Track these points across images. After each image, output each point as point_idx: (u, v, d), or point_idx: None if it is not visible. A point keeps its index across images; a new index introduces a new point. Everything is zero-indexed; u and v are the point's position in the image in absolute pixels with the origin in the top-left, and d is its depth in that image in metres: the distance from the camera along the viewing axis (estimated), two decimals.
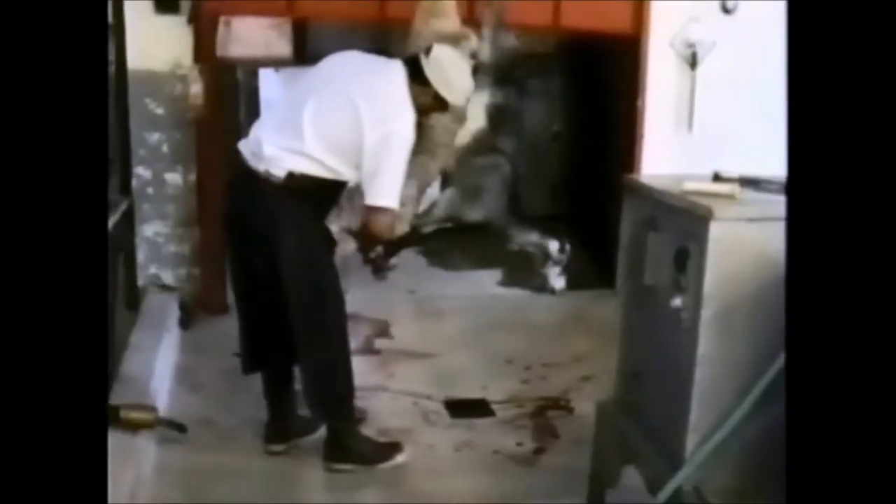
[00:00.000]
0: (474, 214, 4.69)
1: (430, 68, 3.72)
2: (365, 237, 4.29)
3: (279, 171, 3.65)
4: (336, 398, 3.90)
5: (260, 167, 3.68)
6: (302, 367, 3.90)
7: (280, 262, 3.69)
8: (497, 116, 6.37)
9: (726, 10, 5.83)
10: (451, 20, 4.59)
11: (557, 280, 4.30)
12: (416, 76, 3.73)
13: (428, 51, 3.76)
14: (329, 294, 3.80)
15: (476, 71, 4.23)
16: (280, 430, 4.06)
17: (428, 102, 3.77)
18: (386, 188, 3.65)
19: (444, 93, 3.75)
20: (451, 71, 3.77)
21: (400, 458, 3.96)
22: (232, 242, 3.91)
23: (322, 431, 3.98)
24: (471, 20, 4.92)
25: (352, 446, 3.91)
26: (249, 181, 3.72)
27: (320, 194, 3.74)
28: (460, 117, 4.01)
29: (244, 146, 3.77)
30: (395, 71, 3.76)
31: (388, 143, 3.61)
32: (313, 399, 3.89)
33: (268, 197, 3.67)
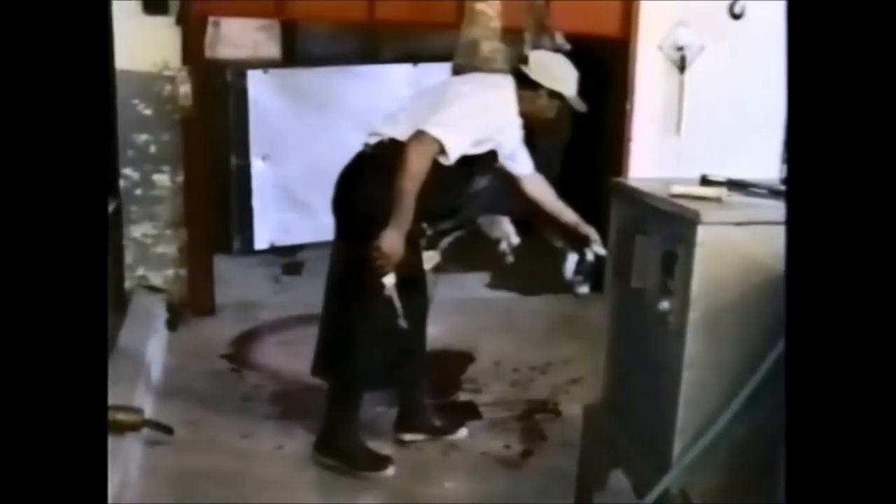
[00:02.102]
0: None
1: (534, 72, 3.87)
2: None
3: (373, 140, 3.82)
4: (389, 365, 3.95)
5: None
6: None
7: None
8: None
9: (735, 16, 5.84)
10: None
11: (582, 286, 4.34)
12: (525, 84, 3.86)
13: (525, 60, 3.95)
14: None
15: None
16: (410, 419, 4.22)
17: (544, 103, 3.89)
18: (444, 117, 3.62)
19: (557, 86, 3.88)
20: (554, 67, 3.95)
21: (388, 472, 3.90)
22: None
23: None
24: (512, 25, 4.92)
25: (345, 445, 3.91)
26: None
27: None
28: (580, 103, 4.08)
29: None
30: (503, 81, 3.91)
31: (467, 90, 3.78)
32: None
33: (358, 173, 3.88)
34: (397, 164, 3.53)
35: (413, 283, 3.84)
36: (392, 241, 3.52)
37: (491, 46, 4.77)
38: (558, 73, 3.94)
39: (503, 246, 4.56)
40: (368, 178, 3.76)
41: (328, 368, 3.96)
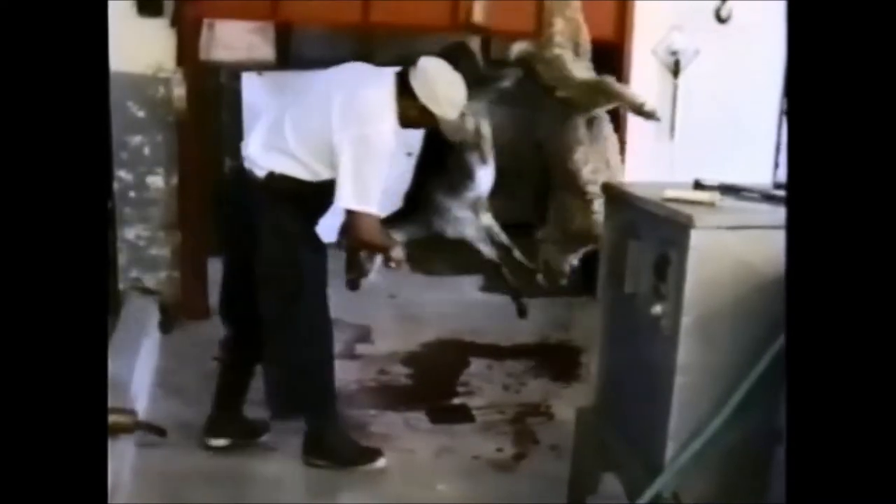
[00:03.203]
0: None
1: (416, 80, 3.65)
2: (349, 246, 4.22)
3: (261, 171, 3.65)
4: (316, 397, 3.88)
5: (245, 166, 3.71)
6: (270, 367, 3.85)
7: (257, 260, 3.68)
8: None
9: (720, 19, 5.85)
10: None
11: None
12: (406, 88, 3.66)
13: (416, 62, 3.71)
14: (307, 294, 3.74)
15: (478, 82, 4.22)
16: (225, 425, 4.06)
17: (415, 115, 3.68)
18: (362, 191, 3.57)
19: (432, 106, 3.65)
20: (438, 83, 3.67)
21: (380, 463, 3.96)
22: (221, 239, 4.00)
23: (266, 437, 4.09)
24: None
25: (334, 444, 3.93)
26: (237, 182, 3.81)
27: (304, 196, 3.67)
28: (455, 131, 3.89)
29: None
30: (382, 78, 3.72)
31: (364, 145, 3.54)
32: (283, 398, 3.86)
33: (250, 196, 3.68)
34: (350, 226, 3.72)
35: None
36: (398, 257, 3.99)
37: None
38: (442, 92, 3.68)
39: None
40: (268, 207, 3.65)
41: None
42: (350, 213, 3.65)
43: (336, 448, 3.93)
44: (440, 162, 4.52)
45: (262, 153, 3.68)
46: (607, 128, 4.76)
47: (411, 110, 3.67)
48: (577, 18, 4.83)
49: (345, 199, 3.59)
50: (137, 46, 5.29)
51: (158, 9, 5.31)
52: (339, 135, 3.54)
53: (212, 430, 4.04)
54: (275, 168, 3.63)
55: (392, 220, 4.42)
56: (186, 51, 5.42)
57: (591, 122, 4.72)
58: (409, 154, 4.62)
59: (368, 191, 3.59)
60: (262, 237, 3.66)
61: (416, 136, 4.36)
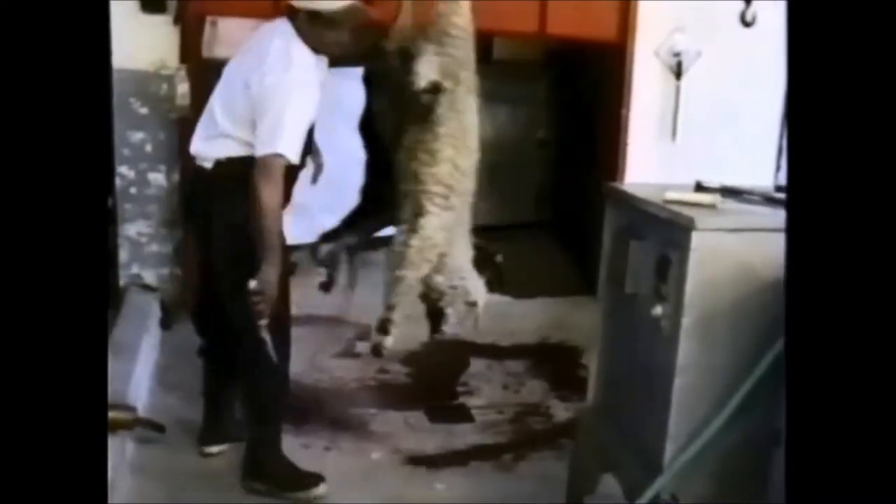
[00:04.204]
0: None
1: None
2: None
3: (208, 163, 3.59)
4: (260, 403, 3.75)
5: (196, 165, 3.68)
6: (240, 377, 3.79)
7: (215, 260, 3.64)
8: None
9: (746, 23, 5.83)
10: None
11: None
12: (294, 15, 3.48)
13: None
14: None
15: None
16: (217, 431, 4.00)
17: (315, 31, 3.47)
18: (270, 132, 3.35)
19: (313, 5, 3.46)
20: None
21: (320, 490, 3.74)
22: (193, 245, 3.95)
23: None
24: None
25: (267, 464, 3.74)
26: (193, 182, 3.82)
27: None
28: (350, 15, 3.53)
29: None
30: (275, 28, 3.56)
31: (272, 93, 3.37)
32: (242, 401, 3.84)
33: (205, 193, 3.63)
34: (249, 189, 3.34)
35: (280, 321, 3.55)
36: (270, 280, 3.34)
37: None
38: None
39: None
40: (220, 198, 3.56)
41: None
42: (259, 163, 3.38)
43: (275, 472, 3.73)
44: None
45: (203, 145, 3.63)
46: None
47: (310, 34, 3.49)
48: None
49: (260, 145, 3.38)
50: (140, 43, 5.29)
51: (161, 6, 5.31)
52: (250, 92, 3.42)
53: (205, 438, 4.00)
54: (218, 154, 3.56)
55: (350, 221, 4.19)
56: (189, 48, 5.41)
57: None
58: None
59: (287, 132, 3.38)
60: (216, 233, 3.59)
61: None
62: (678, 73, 5.85)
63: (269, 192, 3.35)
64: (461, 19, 3.63)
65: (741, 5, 5.72)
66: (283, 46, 3.47)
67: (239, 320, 3.50)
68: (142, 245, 5.64)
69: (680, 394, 2.75)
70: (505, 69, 7.10)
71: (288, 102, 3.38)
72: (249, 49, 3.63)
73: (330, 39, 3.55)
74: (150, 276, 5.68)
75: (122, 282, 5.55)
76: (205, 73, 5.72)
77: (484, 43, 6.89)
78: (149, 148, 5.53)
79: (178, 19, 5.34)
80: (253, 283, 3.31)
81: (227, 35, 7.04)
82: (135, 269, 5.65)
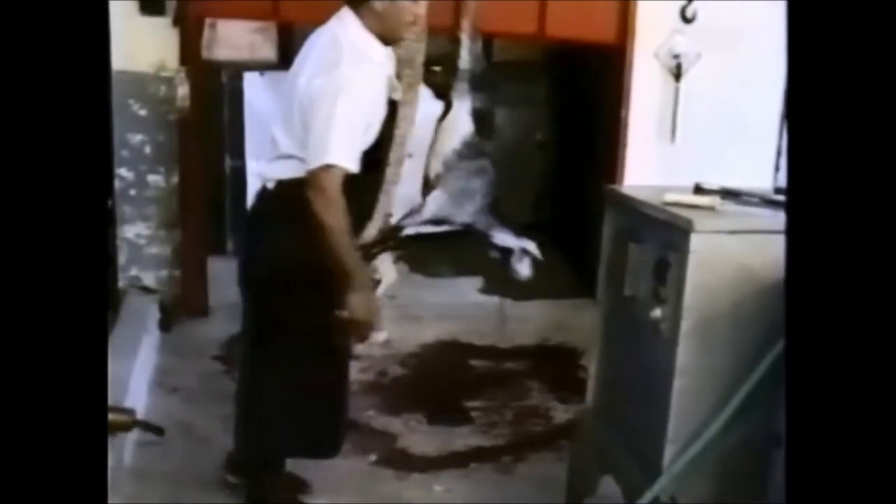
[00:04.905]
0: (461, 216, 4.61)
1: None
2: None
3: (271, 183, 3.31)
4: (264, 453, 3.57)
5: (261, 186, 3.39)
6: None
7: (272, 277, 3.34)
8: (481, 122, 6.36)
9: (686, 19, 5.82)
10: None
11: (523, 267, 4.07)
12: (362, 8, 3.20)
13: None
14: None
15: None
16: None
17: (381, 8, 3.17)
18: (320, 142, 3.04)
19: None
20: None
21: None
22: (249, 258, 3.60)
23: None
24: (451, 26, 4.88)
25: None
26: (257, 205, 3.45)
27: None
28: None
29: None
30: (333, 19, 3.33)
31: (322, 91, 3.06)
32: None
33: (266, 212, 3.36)
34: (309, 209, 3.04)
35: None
36: (363, 303, 3.13)
37: None
38: None
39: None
40: (278, 224, 3.28)
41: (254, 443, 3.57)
42: (311, 175, 3.07)
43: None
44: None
45: (267, 167, 3.38)
46: None
47: (381, 19, 3.20)
48: None
49: (311, 155, 3.07)
50: (139, 45, 5.30)
51: (161, 8, 5.31)
52: (300, 97, 3.14)
53: (232, 467, 3.74)
54: (281, 175, 3.25)
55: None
56: (188, 50, 5.42)
57: None
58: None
59: (338, 139, 3.04)
60: (277, 257, 3.27)
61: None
62: (677, 74, 5.84)
63: (327, 210, 3.02)
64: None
65: (736, 6, 5.71)
66: (334, 39, 3.21)
67: (306, 345, 3.31)
68: (141, 247, 5.65)
69: (679, 396, 2.75)
70: (504, 70, 7.10)
71: (337, 102, 3.03)
72: (304, 48, 3.38)
73: (404, 24, 3.27)
74: (149, 278, 5.69)
75: (121, 284, 5.55)
76: (204, 75, 5.76)
77: (483, 44, 6.90)
78: (148, 150, 5.54)
79: (178, 21, 5.34)
80: (344, 313, 3.11)
81: (227, 37, 7.07)
82: (134, 271, 5.65)
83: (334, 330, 3.17)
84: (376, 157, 3.28)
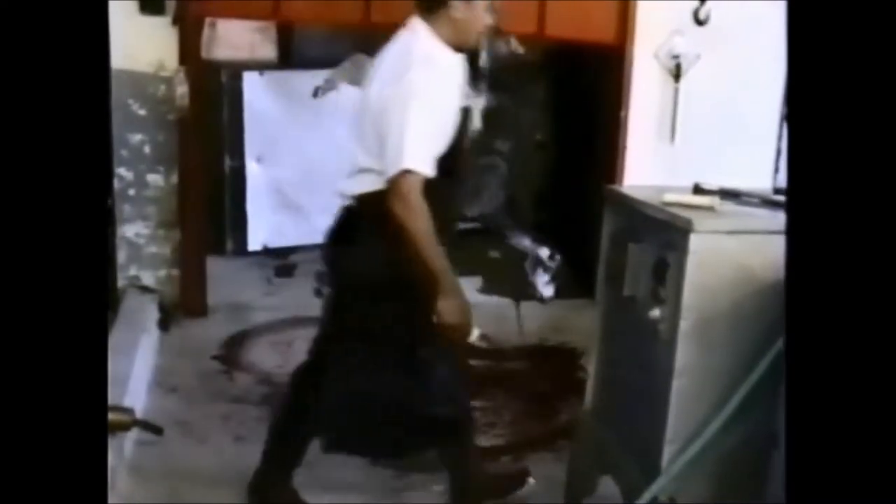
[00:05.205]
0: (472, 212, 4.62)
1: None
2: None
3: (352, 201, 3.29)
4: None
5: (343, 205, 3.37)
6: None
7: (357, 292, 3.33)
8: (493, 119, 6.38)
9: (699, 21, 5.82)
10: None
11: (546, 288, 4.12)
12: (433, 7, 3.19)
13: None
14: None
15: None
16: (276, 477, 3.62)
17: (461, 16, 3.16)
18: (397, 148, 3.02)
19: None
20: None
21: None
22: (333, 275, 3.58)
23: None
24: None
25: None
26: (338, 218, 3.42)
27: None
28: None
29: None
30: (403, 30, 3.32)
31: (394, 99, 3.06)
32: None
33: (349, 228, 3.33)
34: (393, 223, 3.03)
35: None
36: (454, 308, 3.10)
37: None
38: None
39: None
40: (362, 239, 3.26)
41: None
42: (390, 184, 3.06)
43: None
44: None
45: (347, 183, 3.31)
46: None
47: (452, 28, 3.19)
48: None
49: (390, 162, 3.05)
50: (139, 44, 5.30)
51: (160, 7, 5.31)
52: (373, 108, 3.16)
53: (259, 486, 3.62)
54: (361, 190, 3.23)
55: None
56: (188, 49, 5.42)
57: None
58: None
59: (403, 145, 3.02)
60: (363, 272, 3.25)
61: None
62: (677, 75, 5.84)
63: (410, 216, 3.01)
64: None
65: (737, 6, 5.71)
66: (404, 48, 3.22)
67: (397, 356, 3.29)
68: (140, 246, 5.65)
69: (678, 396, 2.75)
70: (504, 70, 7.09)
71: (409, 108, 3.03)
72: (375, 63, 3.35)
73: (473, 31, 3.25)
74: (148, 278, 5.68)
75: (120, 283, 5.56)
76: (203, 75, 5.76)
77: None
78: (147, 149, 5.54)
79: (177, 20, 5.34)
80: (435, 318, 3.09)
81: (227, 36, 7.08)
82: (133, 271, 5.65)
83: (433, 337, 3.16)
84: (453, 162, 3.25)
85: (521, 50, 4.64)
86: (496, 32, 4.39)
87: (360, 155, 3.22)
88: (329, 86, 4.26)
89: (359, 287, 3.30)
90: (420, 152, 3.04)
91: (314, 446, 3.95)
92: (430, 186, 3.06)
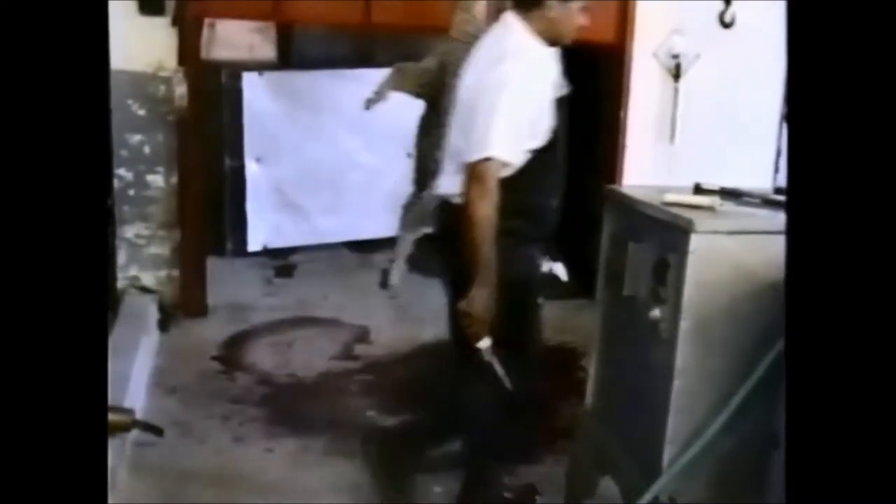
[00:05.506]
0: None
1: None
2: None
3: (457, 198, 3.21)
4: (483, 435, 3.50)
5: (448, 203, 3.34)
6: None
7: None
8: None
9: (723, 23, 5.82)
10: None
11: (559, 269, 4.11)
12: (528, 3, 3.21)
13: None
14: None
15: None
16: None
17: (555, 14, 3.21)
18: (486, 134, 3.05)
19: None
20: None
21: None
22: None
23: None
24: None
25: None
26: (442, 222, 3.44)
27: None
28: None
29: None
30: (497, 23, 3.36)
31: (486, 87, 3.12)
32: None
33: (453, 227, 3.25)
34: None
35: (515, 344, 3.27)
36: (482, 299, 3.09)
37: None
38: None
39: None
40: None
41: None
42: (468, 170, 3.10)
43: None
44: None
45: (449, 181, 3.29)
46: None
47: (548, 22, 3.23)
48: None
49: (468, 152, 3.10)
50: (138, 45, 5.29)
51: (160, 8, 5.31)
52: (467, 99, 3.22)
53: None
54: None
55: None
56: (187, 50, 5.42)
57: None
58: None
59: (488, 131, 3.06)
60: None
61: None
62: (677, 74, 5.84)
63: (479, 202, 3.04)
64: None
65: (738, 6, 5.71)
66: (497, 42, 3.26)
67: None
68: (140, 247, 5.64)
69: (678, 396, 2.75)
70: None
71: (500, 96, 3.07)
72: (469, 57, 3.39)
73: (567, 30, 3.30)
74: (148, 278, 5.68)
75: (120, 284, 5.55)
76: (203, 75, 5.76)
77: None
78: (147, 150, 5.54)
79: (177, 21, 5.33)
80: (462, 304, 3.11)
81: (226, 37, 7.08)
82: (133, 271, 5.65)
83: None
84: (552, 154, 3.34)
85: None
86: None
87: (462, 149, 3.22)
88: (379, 97, 4.30)
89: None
90: (505, 141, 3.07)
91: (314, 447, 3.97)
92: (526, 175, 3.15)
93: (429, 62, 4.30)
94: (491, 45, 3.29)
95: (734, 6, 5.75)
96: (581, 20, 3.30)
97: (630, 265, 3.00)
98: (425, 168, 4.00)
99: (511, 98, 3.08)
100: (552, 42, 3.30)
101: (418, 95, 4.28)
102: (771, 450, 2.64)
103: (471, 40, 3.62)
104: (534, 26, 3.23)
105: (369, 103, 4.36)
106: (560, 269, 3.61)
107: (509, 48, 3.19)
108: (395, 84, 4.30)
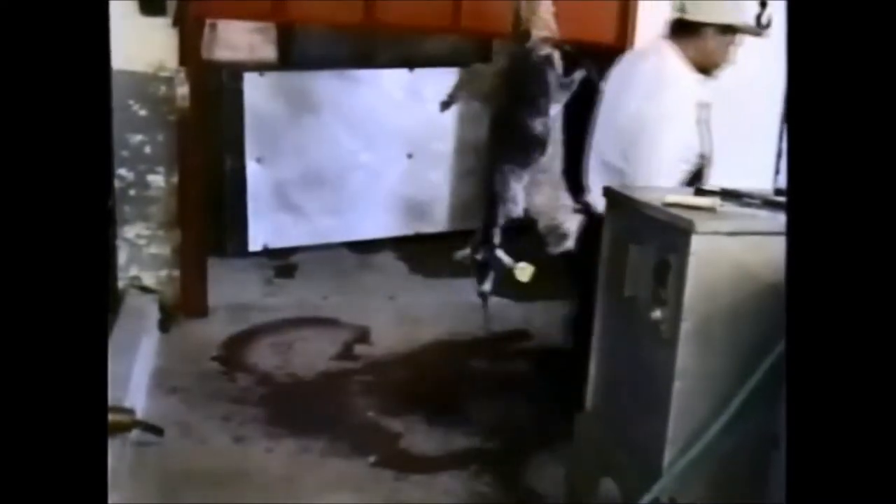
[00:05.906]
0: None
1: (695, 11, 3.56)
2: None
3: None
4: None
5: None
6: None
7: None
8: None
9: (761, 25, 5.80)
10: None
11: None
12: (685, 33, 3.54)
13: (682, 9, 3.63)
14: None
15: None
16: None
17: (713, 46, 3.56)
18: (648, 165, 3.41)
19: (729, 18, 3.55)
20: None
21: None
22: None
23: None
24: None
25: None
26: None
27: None
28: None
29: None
30: (650, 48, 3.62)
31: (645, 120, 3.44)
32: None
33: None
34: None
35: None
36: None
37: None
38: (725, 2, 3.56)
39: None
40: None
41: None
42: None
43: None
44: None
45: (591, 175, 3.66)
46: None
47: (700, 50, 3.56)
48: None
49: (636, 178, 3.43)
50: (139, 45, 5.29)
51: (160, 8, 5.30)
52: (622, 121, 3.48)
53: None
54: (607, 181, 3.51)
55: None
56: (188, 50, 5.41)
57: None
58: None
59: (653, 168, 3.40)
60: None
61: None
62: None
63: None
64: None
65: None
66: (655, 69, 3.49)
67: None
68: (140, 247, 5.64)
69: (679, 397, 2.75)
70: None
71: (662, 134, 3.39)
72: (622, 73, 3.69)
73: (719, 61, 3.60)
74: (148, 279, 5.68)
75: (120, 284, 5.55)
76: (204, 76, 5.76)
77: (483, 44, 6.88)
78: (148, 150, 5.53)
79: (178, 21, 5.33)
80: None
81: (226, 38, 7.08)
82: (133, 271, 5.64)
83: None
84: (702, 175, 3.60)
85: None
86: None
87: (607, 152, 3.59)
88: (453, 100, 4.31)
89: None
90: (664, 170, 3.39)
91: (314, 447, 3.97)
92: None
93: (496, 66, 4.33)
94: (646, 71, 3.54)
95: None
96: (734, 54, 3.58)
97: (631, 266, 3.00)
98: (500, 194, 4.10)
99: (671, 129, 3.40)
100: (703, 70, 3.56)
101: (485, 100, 4.30)
102: (771, 450, 2.64)
103: (538, 46, 3.73)
104: (688, 54, 3.50)
105: (444, 106, 4.41)
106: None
107: (667, 77, 3.44)
108: (469, 87, 4.32)
